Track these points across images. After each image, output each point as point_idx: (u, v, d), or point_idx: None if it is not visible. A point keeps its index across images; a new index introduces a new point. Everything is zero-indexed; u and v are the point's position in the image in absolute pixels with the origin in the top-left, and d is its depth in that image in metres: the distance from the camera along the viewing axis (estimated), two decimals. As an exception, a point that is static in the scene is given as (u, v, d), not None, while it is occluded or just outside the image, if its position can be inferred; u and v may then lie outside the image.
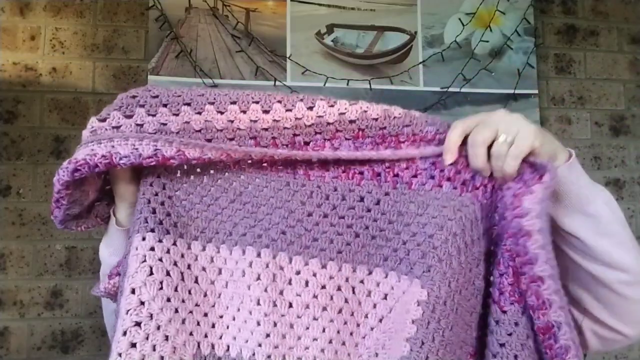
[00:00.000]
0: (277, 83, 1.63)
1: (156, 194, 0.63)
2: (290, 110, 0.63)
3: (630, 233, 0.61)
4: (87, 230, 0.69)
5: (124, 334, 0.56)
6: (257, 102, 0.63)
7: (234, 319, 0.61)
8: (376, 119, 0.63)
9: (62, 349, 1.49)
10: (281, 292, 0.60)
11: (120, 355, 0.55)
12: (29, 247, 1.50)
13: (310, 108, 0.63)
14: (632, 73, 1.91)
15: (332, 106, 0.63)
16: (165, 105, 0.62)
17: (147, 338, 0.56)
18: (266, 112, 0.63)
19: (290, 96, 0.64)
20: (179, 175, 0.65)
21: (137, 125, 0.61)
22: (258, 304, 0.59)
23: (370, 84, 1.68)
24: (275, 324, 0.59)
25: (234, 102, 0.63)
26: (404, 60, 1.73)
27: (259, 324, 0.59)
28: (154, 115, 0.62)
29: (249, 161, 0.66)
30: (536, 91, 1.79)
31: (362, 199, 0.64)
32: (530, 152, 0.58)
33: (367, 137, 0.63)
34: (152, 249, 0.60)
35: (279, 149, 0.63)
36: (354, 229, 0.63)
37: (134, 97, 0.63)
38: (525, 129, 0.58)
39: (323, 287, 0.61)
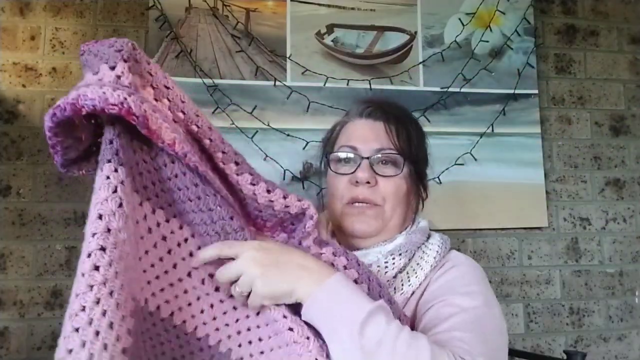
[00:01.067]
0: (277, 83, 1.63)
1: (128, 138, 0.65)
2: (254, 184, 0.74)
3: None
4: (89, 174, 0.69)
5: (89, 255, 0.57)
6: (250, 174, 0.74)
7: (157, 277, 0.68)
8: (303, 214, 0.77)
9: (62, 349, 1.49)
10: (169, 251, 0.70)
11: (83, 275, 0.56)
12: (29, 247, 1.50)
13: (268, 191, 0.75)
14: (632, 73, 1.91)
15: (283, 199, 0.75)
16: (153, 88, 0.67)
17: (110, 264, 0.57)
18: (253, 184, 0.75)
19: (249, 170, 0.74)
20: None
21: (117, 76, 0.63)
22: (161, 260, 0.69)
23: (370, 84, 1.68)
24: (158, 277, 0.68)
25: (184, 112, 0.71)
26: (404, 60, 1.73)
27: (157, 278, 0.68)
28: (139, 77, 0.65)
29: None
30: (536, 91, 1.79)
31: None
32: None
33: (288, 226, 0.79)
34: (123, 182, 0.61)
35: (211, 174, 0.69)
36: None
37: (128, 51, 0.65)
38: (250, 268, 0.69)
39: (164, 239, 0.70)
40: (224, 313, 0.71)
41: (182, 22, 1.61)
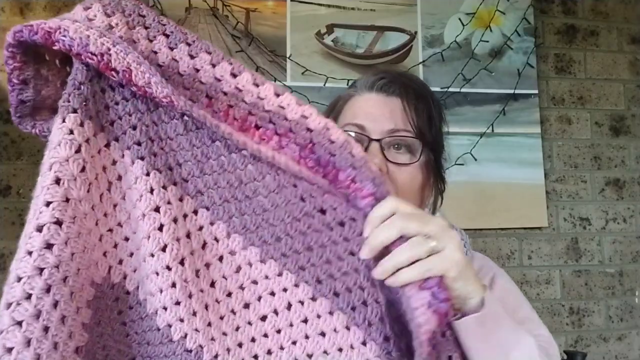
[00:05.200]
0: (277, 83, 1.63)
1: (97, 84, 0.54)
2: (258, 86, 0.57)
3: None
4: (44, 137, 0.55)
5: (39, 229, 0.47)
6: (229, 63, 0.57)
7: (131, 255, 0.54)
8: (333, 142, 0.56)
9: (62, 349, 1.49)
10: (207, 265, 0.55)
11: (30, 253, 0.46)
12: (29, 247, 1.50)
13: (277, 95, 0.57)
14: (632, 73, 1.91)
15: (298, 105, 0.57)
16: (146, 28, 0.56)
17: (66, 243, 0.47)
18: (234, 75, 0.57)
19: (261, 76, 0.59)
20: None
21: (109, 26, 0.54)
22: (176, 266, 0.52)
23: (370, 84, 1.68)
24: (190, 296, 0.52)
25: (208, 52, 0.57)
26: (404, 60, 1.73)
27: (174, 285, 0.52)
28: (130, 29, 0.55)
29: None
30: (536, 91, 1.79)
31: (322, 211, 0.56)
32: (440, 275, 0.53)
33: (314, 154, 0.56)
34: (89, 141, 0.51)
35: (222, 125, 0.54)
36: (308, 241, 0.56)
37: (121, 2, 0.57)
38: (454, 251, 0.54)
39: (254, 282, 0.55)
40: (221, 318, 0.54)
41: (182, 22, 1.61)
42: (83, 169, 0.49)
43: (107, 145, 0.53)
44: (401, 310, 0.53)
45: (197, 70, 0.56)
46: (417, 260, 0.53)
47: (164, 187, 0.54)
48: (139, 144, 0.54)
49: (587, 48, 1.89)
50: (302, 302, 0.55)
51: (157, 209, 0.53)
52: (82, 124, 0.50)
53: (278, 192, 0.56)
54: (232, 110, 0.56)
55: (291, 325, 0.54)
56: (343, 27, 1.71)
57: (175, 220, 0.53)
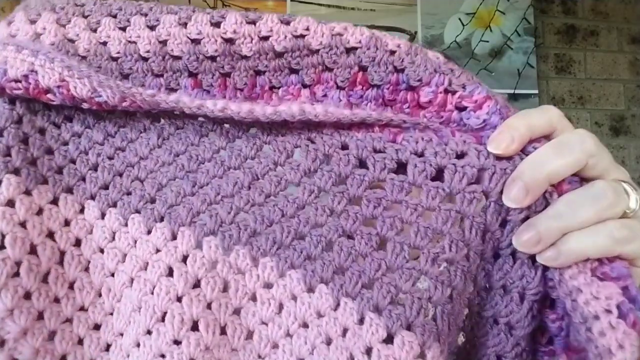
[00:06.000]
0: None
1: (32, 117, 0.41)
2: (254, 23, 0.39)
3: None
4: None
5: None
6: (206, 13, 0.40)
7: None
8: (393, 52, 0.38)
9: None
10: (237, 312, 0.37)
11: None
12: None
13: (286, 23, 0.39)
14: (632, 73, 1.91)
15: (322, 23, 0.39)
16: (85, 17, 0.42)
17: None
18: (216, 24, 0.39)
19: (253, 12, 0.41)
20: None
21: (37, 34, 0.41)
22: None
23: (370, 84, 1.68)
24: None
25: (172, 12, 0.41)
26: (404, 60, 1.73)
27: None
28: (63, 26, 0.41)
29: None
30: (536, 91, 1.79)
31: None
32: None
33: (372, 87, 0.38)
34: (12, 203, 0.38)
35: (220, 103, 0.38)
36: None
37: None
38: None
39: (305, 325, 0.36)
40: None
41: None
42: (14, 242, 0.36)
43: (55, 202, 0.40)
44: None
45: (164, 43, 0.40)
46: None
47: (148, 232, 0.39)
48: (105, 187, 0.41)
49: (587, 48, 1.89)
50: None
51: (147, 266, 0.38)
52: (29, 192, 0.39)
53: (317, 170, 0.38)
54: (229, 79, 0.40)
55: None
56: (343, 27, 1.71)
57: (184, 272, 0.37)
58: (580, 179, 0.32)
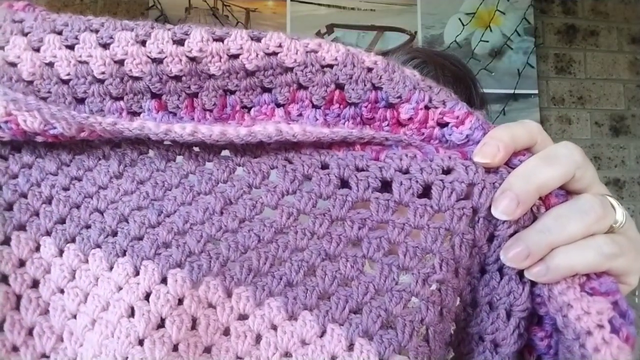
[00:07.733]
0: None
1: None
2: (221, 40, 0.36)
3: None
4: None
5: None
6: (166, 29, 0.36)
7: None
8: (370, 69, 0.36)
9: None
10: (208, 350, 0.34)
11: None
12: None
13: (256, 39, 0.36)
14: (632, 73, 1.91)
15: (295, 39, 0.37)
16: (25, 34, 0.38)
17: None
18: (179, 42, 0.36)
19: (220, 27, 0.37)
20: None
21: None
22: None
23: (370, 84, 1.68)
24: None
25: (128, 29, 0.37)
26: (404, 60, 1.73)
27: None
28: (1, 48, 0.38)
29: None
30: (536, 91, 1.79)
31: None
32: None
33: (349, 105, 0.36)
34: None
35: (189, 127, 0.34)
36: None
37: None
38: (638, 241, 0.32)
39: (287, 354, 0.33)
40: None
41: (182, 22, 1.61)
42: None
43: (6, 242, 0.36)
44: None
45: (121, 63, 0.37)
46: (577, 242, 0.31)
47: (110, 268, 0.35)
48: (61, 221, 0.37)
49: (587, 48, 1.89)
50: None
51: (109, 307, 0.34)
52: None
53: (296, 192, 0.35)
54: (197, 100, 0.37)
55: None
56: (343, 27, 1.71)
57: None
58: (566, 192, 0.32)
